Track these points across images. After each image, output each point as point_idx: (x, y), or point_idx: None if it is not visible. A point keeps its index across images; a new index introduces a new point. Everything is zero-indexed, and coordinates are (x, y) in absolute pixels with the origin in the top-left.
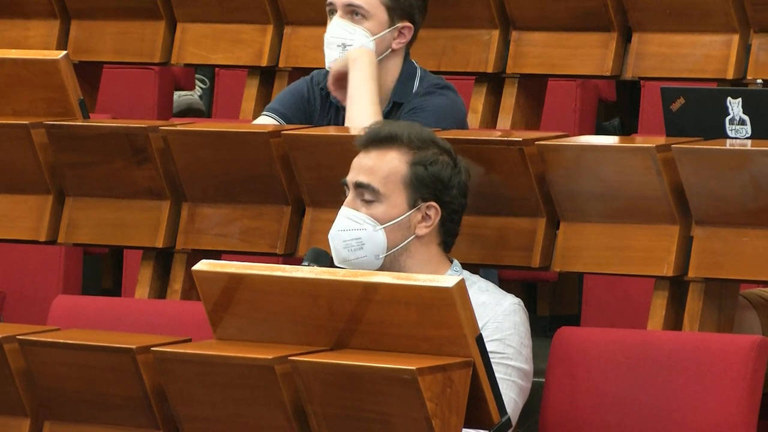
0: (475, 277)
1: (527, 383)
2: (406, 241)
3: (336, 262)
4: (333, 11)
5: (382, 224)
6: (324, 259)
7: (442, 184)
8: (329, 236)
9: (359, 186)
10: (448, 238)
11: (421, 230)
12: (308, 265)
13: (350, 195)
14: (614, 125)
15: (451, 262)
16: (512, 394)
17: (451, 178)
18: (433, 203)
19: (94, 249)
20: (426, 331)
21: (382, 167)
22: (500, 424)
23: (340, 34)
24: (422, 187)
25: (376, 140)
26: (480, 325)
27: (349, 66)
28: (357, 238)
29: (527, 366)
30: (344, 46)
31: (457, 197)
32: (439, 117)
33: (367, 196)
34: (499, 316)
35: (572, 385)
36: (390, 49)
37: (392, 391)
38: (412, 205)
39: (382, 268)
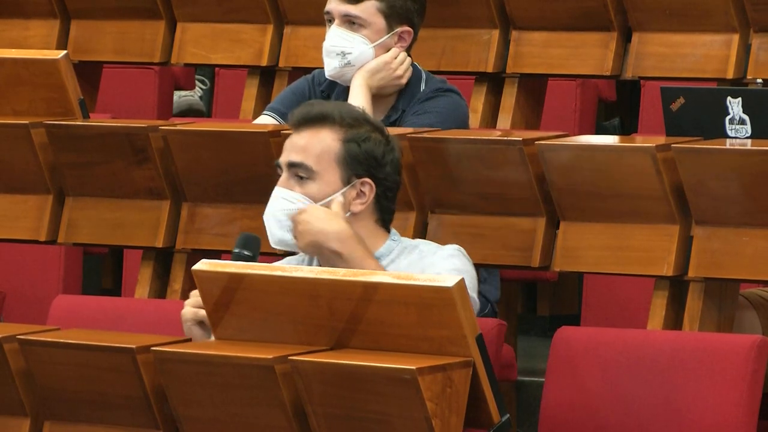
0: (417, 241)
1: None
2: None
3: (272, 244)
4: (330, 20)
5: (316, 202)
6: (255, 243)
7: (376, 161)
8: (264, 218)
9: (293, 165)
10: (385, 215)
11: (356, 207)
12: (239, 252)
13: (284, 175)
14: (614, 125)
15: (389, 232)
16: None
17: (384, 155)
18: (368, 180)
19: (94, 249)
20: (426, 331)
21: (315, 145)
22: (500, 424)
23: (339, 42)
24: (356, 163)
25: (307, 120)
26: (418, 273)
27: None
28: None
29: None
30: (344, 54)
31: (390, 174)
32: (443, 118)
33: (301, 175)
34: (435, 260)
35: (572, 385)
36: None
37: (392, 391)
38: (346, 182)
39: None
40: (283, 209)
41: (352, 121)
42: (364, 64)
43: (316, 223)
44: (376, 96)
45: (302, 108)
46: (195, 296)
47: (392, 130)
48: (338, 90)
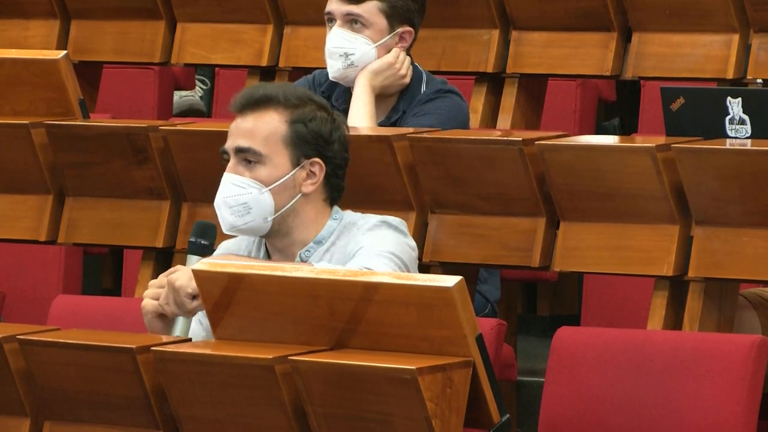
0: (357, 217)
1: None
2: (293, 201)
3: (224, 230)
4: (332, 20)
5: (267, 186)
6: (212, 231)
7: (323, 139)
8: (215, 204)
9: (240, 150)
10: (334, 194)
11: (307, 188)
12: (195, 241)
13: (232, 161)
14: (614, 125)
15: (332, 209)
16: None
17: (331, 132)
18: (317, 159)
19: (94, 249)
20: (426, 331)
21: (261, 129)
22: (500, 424)
23: (342, 44)
24: (304, 144)
25: (251, 103)
26: (352, 252)
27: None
28: (243, 203)
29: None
30: (346, 55)
31: (339, 151)
32: (443, 120)
33: (250, 159)
34: (359, 236)
35: (572, 385)
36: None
37: (392, 391)
38: (296, 163)
39: (270, 231)
40: (234, 195)
41: (296, 101)
42: (367, 65)
43: None
44: (378, 96)
45: (245, 91)
46: (153, 287)
47: (393, 131)
48: (339, 90)
